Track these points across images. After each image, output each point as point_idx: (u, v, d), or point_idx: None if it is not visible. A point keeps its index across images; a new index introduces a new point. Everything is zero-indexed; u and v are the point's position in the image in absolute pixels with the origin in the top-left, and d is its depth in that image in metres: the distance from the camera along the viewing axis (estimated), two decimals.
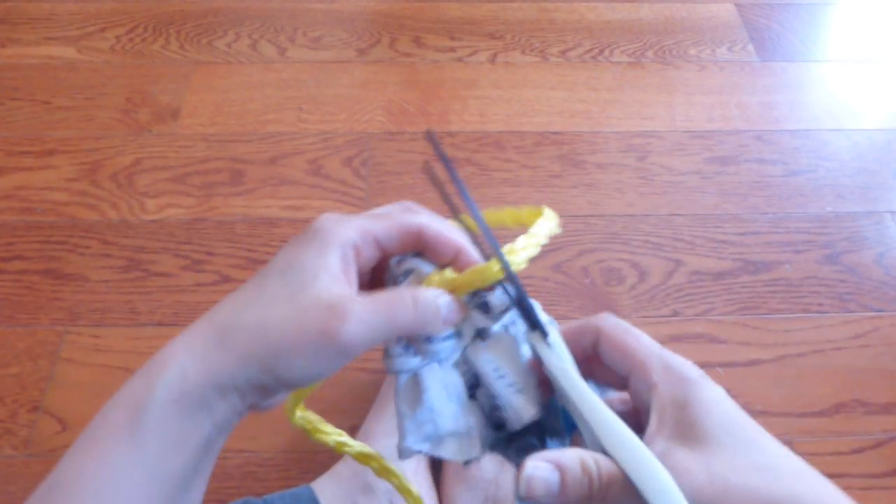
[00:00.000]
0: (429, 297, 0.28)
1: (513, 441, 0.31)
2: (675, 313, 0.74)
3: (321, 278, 0.26)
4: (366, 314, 0.26)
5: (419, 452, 0.29)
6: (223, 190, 0.82)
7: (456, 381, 0.30)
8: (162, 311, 0.72)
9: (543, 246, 0.30)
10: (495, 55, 0.98)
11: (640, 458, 0.25)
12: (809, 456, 0.65)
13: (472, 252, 0.29)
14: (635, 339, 0.29)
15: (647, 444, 0.26)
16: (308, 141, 0.87)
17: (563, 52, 0.99)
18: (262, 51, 0.97)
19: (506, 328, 0.31)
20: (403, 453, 0.29)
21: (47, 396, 0.66)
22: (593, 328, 0.29)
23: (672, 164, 0.87)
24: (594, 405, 0.27)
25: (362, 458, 0.36)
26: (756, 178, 0.85)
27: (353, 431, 0.63)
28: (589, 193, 0.83)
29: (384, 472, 0.36)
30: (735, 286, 0.76)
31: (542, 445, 0.30)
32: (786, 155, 0.88)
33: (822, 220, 0.82)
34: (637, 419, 0.28)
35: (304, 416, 0.35)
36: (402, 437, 0.29)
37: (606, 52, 0.99)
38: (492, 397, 0.29)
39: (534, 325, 0.29)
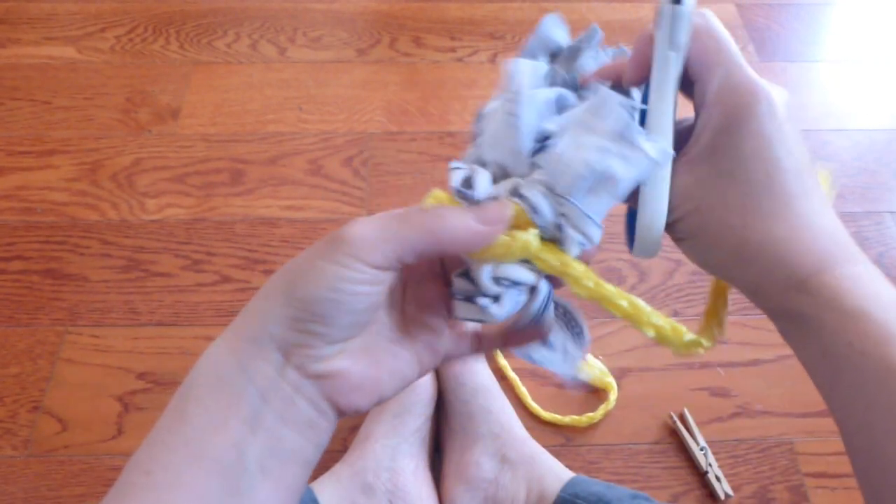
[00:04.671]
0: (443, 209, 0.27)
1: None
2: (676, 313, 0.74)
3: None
4: (374, 217, 0.25)
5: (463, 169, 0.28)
6: (223, 190, 0.82)
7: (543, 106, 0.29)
8: (162, 311, 0.72)
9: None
10: (495, 55, 0.98)
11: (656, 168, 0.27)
12: (810, 456, 0.65)
13: None
14: (716, 43, 0.27)
15: (678, 158, 0.27)
16: (308, 141, 0.87)
17: None
18: (262, 51, 0.97)
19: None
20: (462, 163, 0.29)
21: (47, 396, 0.66)
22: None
23: None
24: (665, 93, 0.28)
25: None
26: None
27: (352, 432, 0.63)
28: None
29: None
30: None
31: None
32: None
33: None
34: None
35: None
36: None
37: None
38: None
39: None
